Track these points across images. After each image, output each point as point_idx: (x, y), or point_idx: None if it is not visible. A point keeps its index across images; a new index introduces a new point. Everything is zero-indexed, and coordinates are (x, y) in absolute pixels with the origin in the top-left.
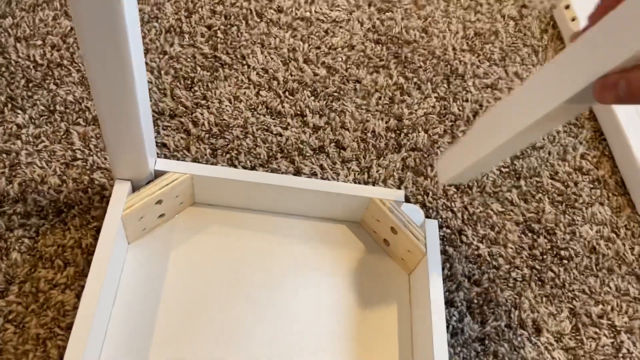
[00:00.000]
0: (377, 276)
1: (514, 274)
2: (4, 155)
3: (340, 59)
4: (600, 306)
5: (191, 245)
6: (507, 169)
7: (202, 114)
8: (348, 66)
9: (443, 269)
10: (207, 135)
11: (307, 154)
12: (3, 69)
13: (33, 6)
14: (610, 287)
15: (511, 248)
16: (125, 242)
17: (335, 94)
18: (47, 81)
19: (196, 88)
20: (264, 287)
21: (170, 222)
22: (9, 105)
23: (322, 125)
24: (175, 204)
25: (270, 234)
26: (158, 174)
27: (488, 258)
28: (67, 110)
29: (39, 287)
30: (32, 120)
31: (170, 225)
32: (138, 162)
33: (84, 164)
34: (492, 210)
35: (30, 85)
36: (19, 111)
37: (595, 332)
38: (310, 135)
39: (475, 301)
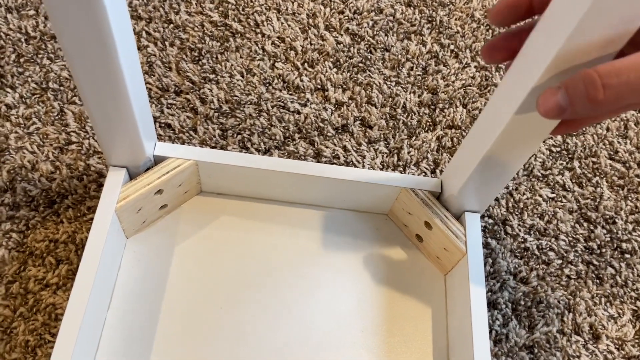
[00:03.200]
0: (407, 276)
1: (567, 271)
2: None
3: (366, 25)
4: None
5: (197, 240)
6: (558, 149)
7: (210, 90)
8: (375, 32)
9: (485, 264)
10: (216, 114)
11: (329, 134)
12: None
13: None
14: None
15: (564, 240)
16: (123, 237)
17: (361, 64)
18: (40, 55)
19: (204, 60)
20: (278, 287)
21: (174, 213)
22: None
23: (345, 101)
24: (179, 194)
25: (286, 227)
26: (158, 160)
27: (537, 252)
28: (62, 88)
29: (28, 288)
30: (23, 100)
31: (173, 217)
32: (132, 147)
33: (80, 147)
34: (541, 196)
35: (22, 60)
36: (9, 89)
37: None
38: (332, 113)
39: (522, 302)
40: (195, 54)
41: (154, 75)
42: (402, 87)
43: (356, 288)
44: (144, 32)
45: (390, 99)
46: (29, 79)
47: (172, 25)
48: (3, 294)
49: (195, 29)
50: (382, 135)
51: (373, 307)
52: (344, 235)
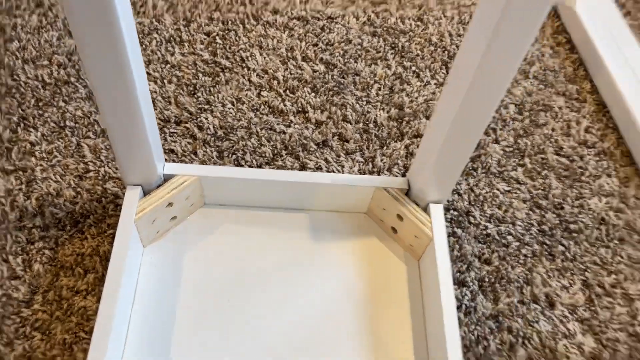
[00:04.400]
0: (387, 264)
1: (524, 251)
2: (21, 172)
3: (337, 54)
4: (613, 276)
5: (204, 245)
6: (510, 149)
7: (206, 118)
8: (346, 60)
9: (453, 250)
10: (212, 139)
11: (311, 149)
12: (14, 90)
13: (37, 28)
14: (622, 257)
15: (520, 225)
16: (140, 246)
17: (335, 88)
18: (56, 99)
19: (199, 94)
20: (277, 281)
21: (183, 223)
22: (22, 125)
23: (324, 120)
24: (186, 206)
25: (280, 230)
26: (167, 178)
27: (497, 237)
28: (77, 125)
29: (62, 295)
30: (45, 137)
31: (182, 227)
32: (147, 168)
33: (96, 175)
34: (498, 189)
35: (41, 104)
36: (32, 129)
37: (610, 302)
38: (313, 131)
39: (487, 280)
40: (191, 88)
41: (156, 109)
42: (372, 105)
43: (343, 277)
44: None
45: (363, 116)
46: (49, 119)
47: (168, 65)
48: (41, 301)
49: (189, 67)
50: (357, 147)
51: (359, 291)
52: (329, 233)
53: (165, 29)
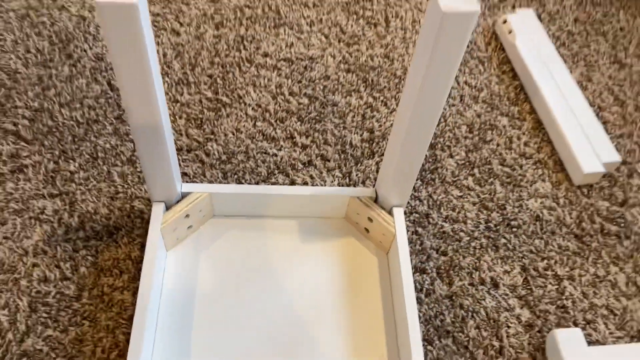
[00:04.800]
0: (362, 258)
1: (473, 244)
2: (64, 195)
3: (318, 89)
4: (546, 261)
5: (215, 248)
6: (463, 162)
7: (212, 146)
8: (325, 93)
9: (415, 245)
10: (217, 162)
11: (299, 168)
12: (54, 129)
13: (69, 77)
14: (553, 246)
15: (470, 223)
16: (164, 250)
17: (317, 117)
18: (89, 135)
19: (205, 126)
20: (273, 276)
21: (197, 231)
22: (62, 157)
23: (308, 144)
24: (200, 217)
25: (275, 234)
26: (184, 195)
27: (451, 233)
28: (107, 156)
29: (103, 291)
30: (81, 167)
31: (197, 234)
32: (169, 187)
33: (125, 195)
34: (452, 195)
35: (76, 139)
36: (70, 160)
37: (542, 282)
38: (300, 153)
39: (443, 267)
40: (198, 122)
41: None
42: (348, 130)
43: (327, 270)
44: None
45: (341, 139)
46: (83, 152)
47: (179, 103)
48: (87, 296)
49: (196, 104)
50: (337, 165)
51: (341, 281)
52: (315, 235)
53: (174, 73)
